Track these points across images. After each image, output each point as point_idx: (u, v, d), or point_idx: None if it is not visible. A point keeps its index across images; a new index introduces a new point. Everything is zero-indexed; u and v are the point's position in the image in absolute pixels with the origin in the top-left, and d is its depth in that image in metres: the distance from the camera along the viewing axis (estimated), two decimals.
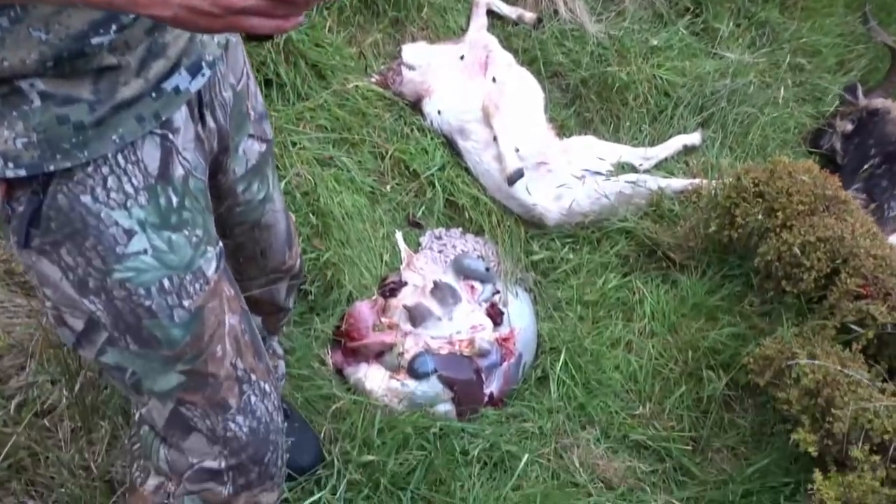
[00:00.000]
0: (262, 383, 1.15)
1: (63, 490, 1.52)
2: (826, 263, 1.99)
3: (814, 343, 1.88)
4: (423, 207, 2.53)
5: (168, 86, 0.95)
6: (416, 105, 2.64)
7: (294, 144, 2.35)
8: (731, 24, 3.10)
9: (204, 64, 0.99)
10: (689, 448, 2.09)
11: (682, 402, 2.16)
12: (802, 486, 1.80)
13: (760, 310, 2.23)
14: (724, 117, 2.83)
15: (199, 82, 1.00)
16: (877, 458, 1.60)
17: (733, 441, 2.10)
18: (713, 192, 2.37)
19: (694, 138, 2.76)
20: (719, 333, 2.21)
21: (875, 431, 1.62)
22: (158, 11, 0.72)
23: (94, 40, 0.84)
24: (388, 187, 2.49)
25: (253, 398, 1.14)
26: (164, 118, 0.95)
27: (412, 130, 2.59)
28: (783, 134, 2.96)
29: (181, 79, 0.96)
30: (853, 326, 1.88)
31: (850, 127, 2.96)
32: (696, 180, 2.52)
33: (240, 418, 1.12)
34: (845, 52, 3.29)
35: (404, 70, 2.60)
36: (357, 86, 2.54)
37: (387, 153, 2.50)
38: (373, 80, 2.62)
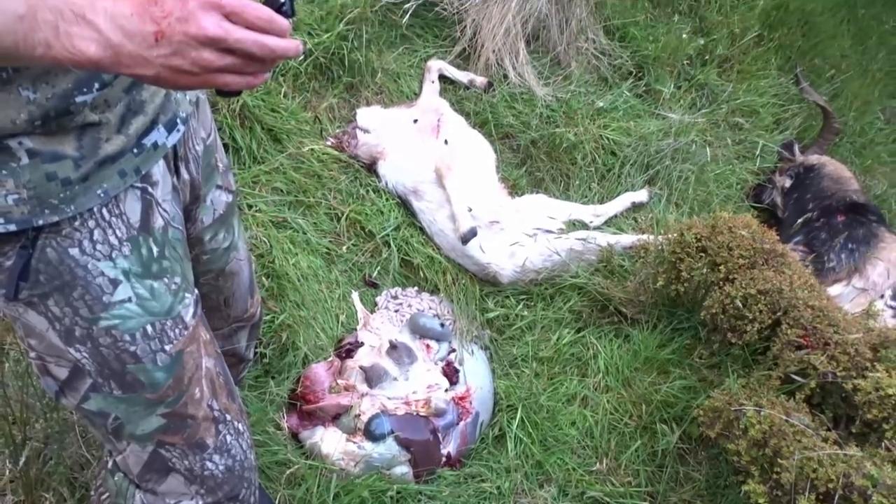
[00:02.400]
0: (236, 423, 1.20)
1: None
2: (768, 315, 2.06)
3: (759, 393, 1.93)
4: (379, 267, 2.56)
5: (148, 141, 1.00)
6: (370, 167, 2.69)
7: (250, 207, 2.38)
8: (673, 86, 3.25)
9: (179, 120, 1.05)
10: (647, 503, 2.11)
11: (638, 456, 2.19)
12: None
13: (709, 362, 2.29)
14: (668, 174, 2.94)
15: (175, 137, 1.05)
16: None
17: (689, 495, 2.13)
18: (659, 247, 2.44)
19: (641, 195, 2.85)
20: (671, 386, 2.25)
21: (819, 480, 1.66)
22: (141, 70, 0.76)
23: (79, 98, 0.88)
24: (344, 248, 2.52)
25: (228, 437, 1.19)
26: (143, 172, 1.00)
27: (367, 192, 2.64)
28: (726, 189, 3.08)
29: (159, 134, 1.02)
30: (795, 377, 1.94)
31: (788, 182, 3.10)
32: (644, 236, 2.60)
33: (216, 457, 1.17)
34: (780, 112, 3.46)
35: (359, 133, 2.67)
36: (312, 149, 2.59)
37: (342, 214, 2.54)
38: (328, 143, 2.67)
